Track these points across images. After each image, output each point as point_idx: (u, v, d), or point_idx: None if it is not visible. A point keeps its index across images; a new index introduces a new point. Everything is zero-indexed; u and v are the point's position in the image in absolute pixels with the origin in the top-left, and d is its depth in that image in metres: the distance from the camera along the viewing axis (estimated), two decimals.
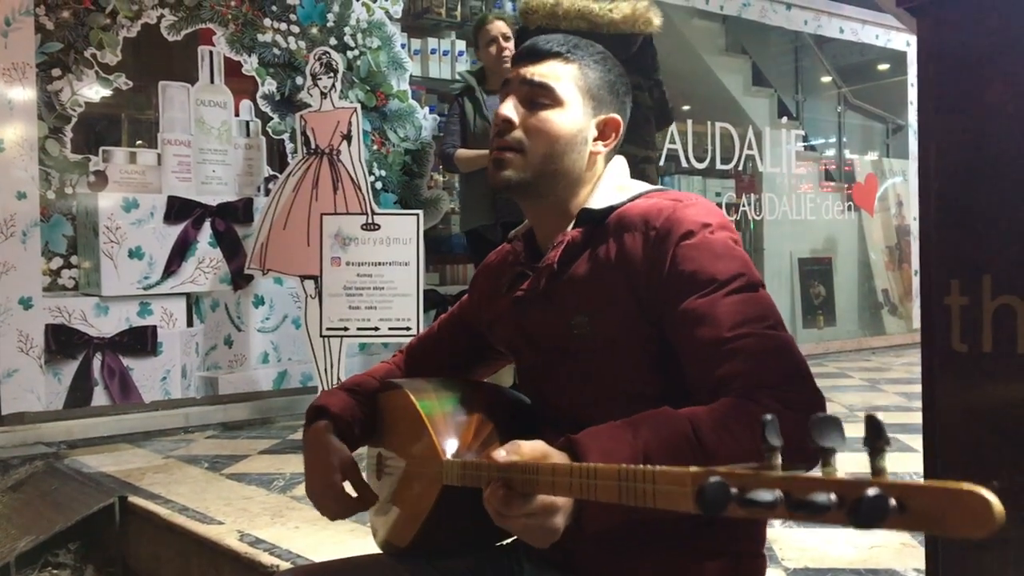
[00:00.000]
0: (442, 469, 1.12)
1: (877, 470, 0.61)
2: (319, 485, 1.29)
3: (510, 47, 3.88)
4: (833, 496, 0.62)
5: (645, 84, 3.54)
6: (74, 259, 3.93)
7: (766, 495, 0.64)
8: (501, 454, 0.94)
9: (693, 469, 0.72)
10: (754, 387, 1.01)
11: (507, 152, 1.22)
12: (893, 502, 0.59)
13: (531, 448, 0.94)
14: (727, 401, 1.01)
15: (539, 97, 1.22)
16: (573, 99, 1.22)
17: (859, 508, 0.60)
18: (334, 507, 1.29)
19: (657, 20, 3.48)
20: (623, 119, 1.27)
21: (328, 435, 1.32)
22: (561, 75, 1.22)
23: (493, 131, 1.25)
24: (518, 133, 1.22)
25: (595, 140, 1.24)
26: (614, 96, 1.26)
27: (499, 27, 3.97)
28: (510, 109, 1.23)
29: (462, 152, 3.91)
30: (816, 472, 0.64)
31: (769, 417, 0.68)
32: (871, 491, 0.59)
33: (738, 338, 1.05)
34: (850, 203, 6.89)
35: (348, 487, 1.30)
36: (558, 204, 1.25)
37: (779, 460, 0.67)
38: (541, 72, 1.22)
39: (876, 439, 0.62)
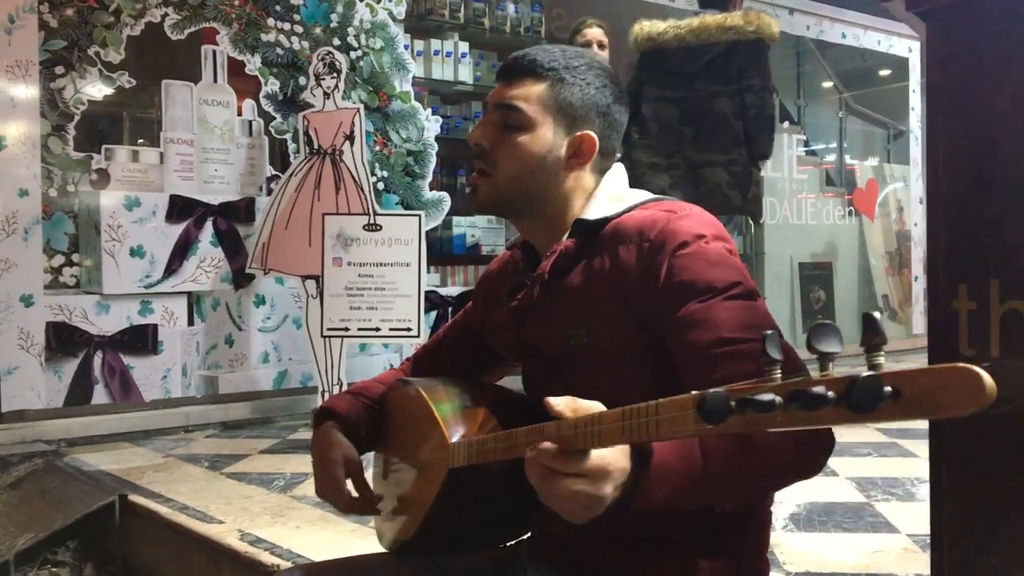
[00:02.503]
0: (448, 453, 1.13)
1: (873, 366, 0.62)
2: (324, 479, 1.31)
3: (604, 56, 3.90)
4: (829, 391, 0.63)
5: (725, 91, 3.61)
6: (75, 257, 3.92)
7: (765, 396, 0.66)
8: (556, 402, 0.90)
9: (694, 392, 0.73)
10: None
11: (479, 176, 1.24)
12: (888, 388, 0.60)
13: (588, 406, 0.90)
14: None
15: (510, 120, 1.22)
16: (543, 120, 1.21)
17: (853, 392, 0.61)
18: (338, 501, 1.30)
19: (749, 27, 3.59)
20: (606, 132, 1.24)
21: (335, 432, 1.34)
22: (532, 95, 1.21)
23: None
24: (489, 157, 1.23)
25: (569, 159, 1.23)
26: (591, 111, 1.23)
27: (595, 34, 4.02)
28: (479, 134, 1.24)
29: None
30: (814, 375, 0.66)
31: (769, 332, 0.69)
32: (864, 373, 0.61)
33: (738, 341, 1.05)
34: (851, 208, 6.89)
35: (351, 487, 1.31)
36: (546, 218, 1.25)
37: (779, 374, 0.68)
38: (512, 94, 1.22)
39: (873, 335, 0.63)
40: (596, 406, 0.90)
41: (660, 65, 3.78)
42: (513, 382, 1.40)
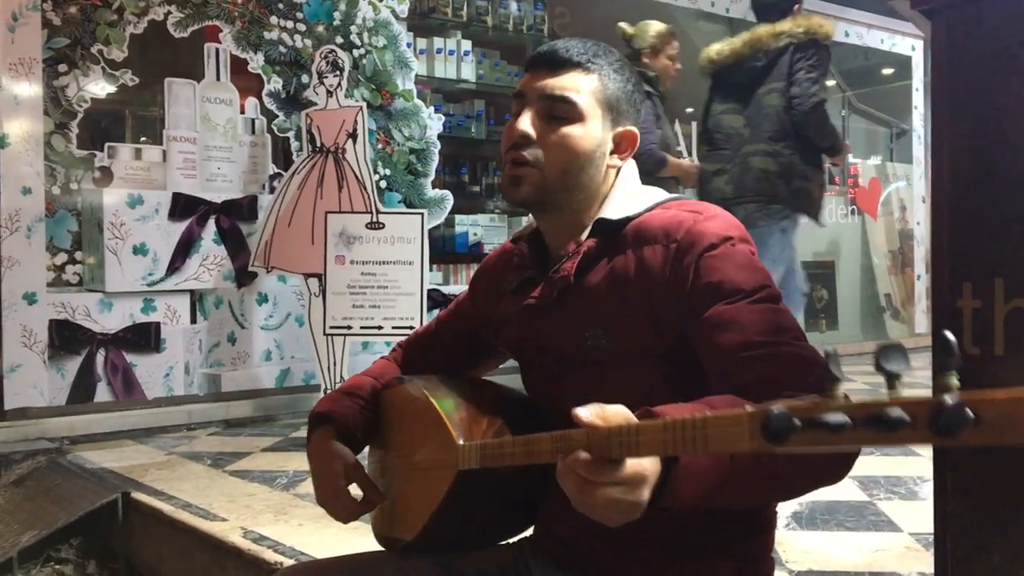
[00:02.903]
0: (458, 454, 1.12)
1: (945, 387, 0.60)
2: (327, 492, 1.30)
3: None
4: (906, 415, 0.61)
5: (777, 87, 3.83)
6: (78, 255, 3.93)
7: (835, 417, 0.63)
8: (585, 414, 0.87)
9: (749, 408, 0.71)
10: (790, 391, 0.97)
11: (524, 168, 1.19)
12: (970, 413, 0.59)
13: (613, 410, 0.88)
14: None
15: (559, 111, 1.18)
16: (593, 112, 1.19)
17: (939, 418, 0.59)
18: (344, 513, 1.30)
19: (799, 29, 3.85)
20: (639, 129, 1.25)
21: (331, 442, 1.32)
22: (581, 87, 1.18)
23: (507, 144, 1.22)
24: (536, 149, 1.18)
25: (611, 154, 1.22)
26: (631, 107, 1.23)
27: (676, 43, 4.30)
28: (527, 124, 1.19)
29: (673, 160, 4.07)
30: (883, 395, 0.63)
31: (831, 349, 0.67)
32: (950, 399, 0.59)
33: (766, 345, 1.04)
34: (853, 207, 6.89)
35: (355, 489, 1.30)
36: (572, 215, 1.23)
37: (843, 392, 0.66)
38: (561, 84, 1.18)
39: (946, 355, 0.62)
40: (621, 410, 0.88)
41: (724, 80, 4.06)
42: (510, 380, 1.39)
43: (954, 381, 0.60)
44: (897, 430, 0.61)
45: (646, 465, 0.87)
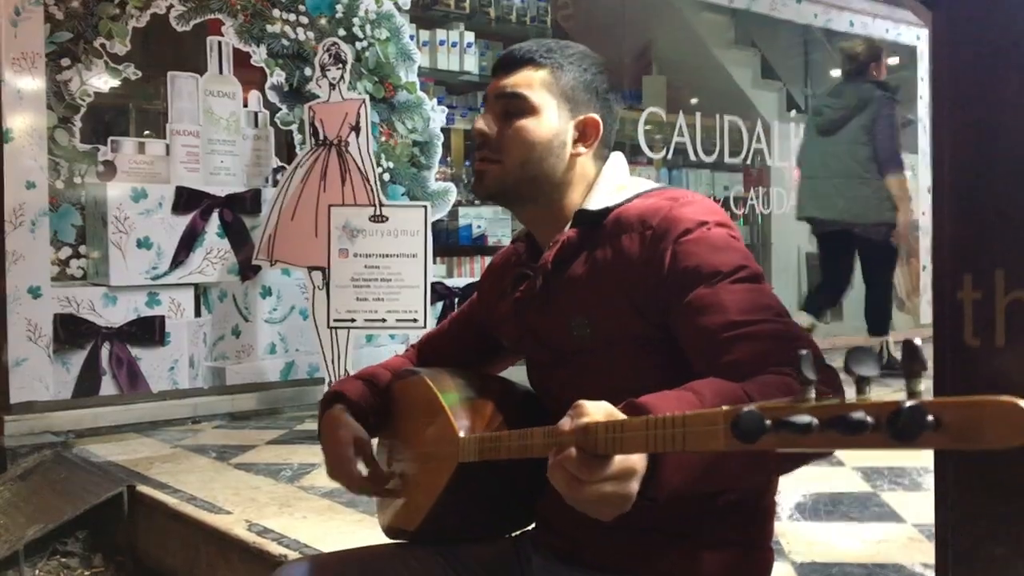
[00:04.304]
0: (458, 447, 1.13)
1: (913, 393, 0.61)
2: (334, 458, 1.32)
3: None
4: (869, 417, 0.62)
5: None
6: (83, 249, 3.93)
7: (801, 418, 0.65)
8: (567, 422, 0.89)
9: (724, 408, 0.73)
10: (773, 367, 1.00)
11: (486, 164, 1.24)
12: (930, 418, 0.59)
13: (596, 408, 0.90)
14: (765, 377, 0.99)
15: (513, 107, 1.23)
16: (547, 104, 1.22)
17: (897, 422, 0.60)
18: (348, 481, 1.31)
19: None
20: (606, 117, 1.26)
21: (344, 415, 1.35)
22: (533, 81, 1.22)
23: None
24: (495, 144, 1.23)
25: (575, 142, 1.24)
26: (592, 95, 1.25)
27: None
28: (483, 123, 1.24)
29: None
30: (851, 398, 0.65)
31: (804, 352, 0.68)
32: (908, 403, 0.60)
33: (748, 323, 1.05)
34: None
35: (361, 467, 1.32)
36: (548, 207, 1.25)
37: (813, 394, 0.67)
38: (513, 82, 1.23)
39: (912, 362, 0.62)
40: (603, 406, 0.90)
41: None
42: (516, 374, 1.41)
43: (920, 387, 0.61)
44: (859, 432, 0.62)
45: (634, 459, 0.89)
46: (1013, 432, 0.57)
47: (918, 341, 0.63)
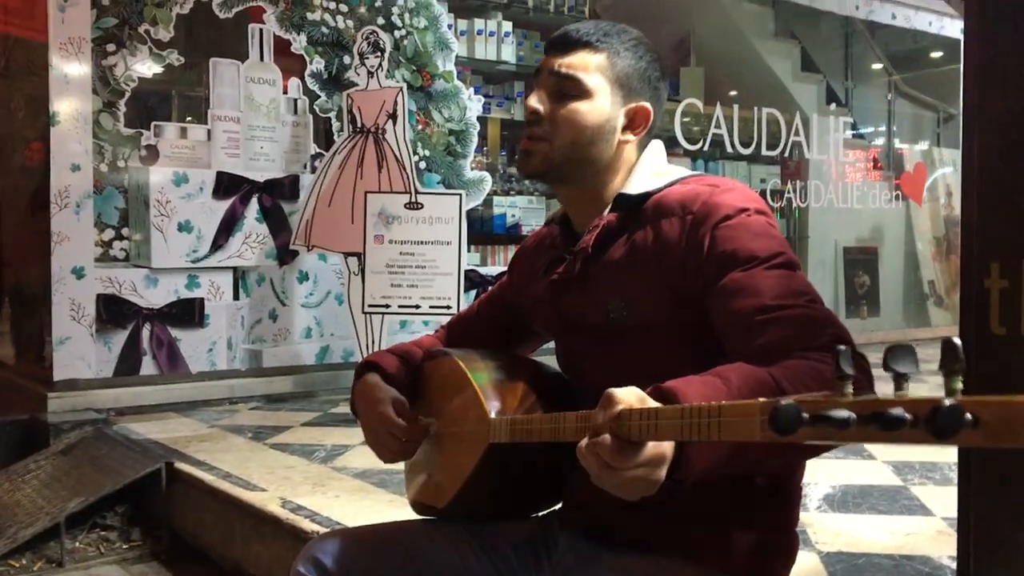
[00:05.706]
0: (489, 428, 1.16)
1: (951, 391, 0.62)
2: (375, 418, 1.33)
3: None
4: (908, 414, 0.63)
5: None
6: (125, 231, 4.02)
7: (840, 412, 0.66)
8: (600, 414, 0.91)
9: (761, 400, 0.74)
10: (803, 351, 1.01)
11: (534, 142, 1.25)
12: (969, 416, 0.60)
13: (627, 394, 0.91)
14: (793, 362, 1.00)
15: (567, 88, 1.23)
16: (601, 89, 1.23)
17: (935, 419, 0.61)
18: (389, 441, 1.32)
19: None
20: (656, 106, 1.27)
21: (379, 381, 1.37)
22: (589, 65, 1.23)
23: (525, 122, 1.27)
24: (546, 124, 1.24)
25: (624, 129, 1.25)
26: (645, 84, 1.26)
27: None
28: (536, 101, 1.25)
29: None
30: (888, 395, 0.65)
31: (842, 347, 0.69)
32: (947, 401, 0.61)
33: (782, 307, 1.06)
34: (898, 192, 6.79)
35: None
36: (590, 191, 1.27)
37: (851, 388, 0.68)
38: (569, 63, 1.23)
39: (952, 361, 0.63)
40: (634, 392, 0.91)
41: None
42: (543, 357, 1.42)
43: (959, 385, 0.62)
44: (897, 428, 0.63)
45: (665, 446, 0.90)
46: None
47: (957, 340, 0.63)
